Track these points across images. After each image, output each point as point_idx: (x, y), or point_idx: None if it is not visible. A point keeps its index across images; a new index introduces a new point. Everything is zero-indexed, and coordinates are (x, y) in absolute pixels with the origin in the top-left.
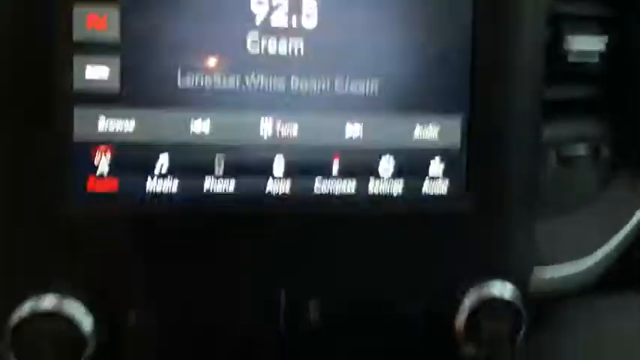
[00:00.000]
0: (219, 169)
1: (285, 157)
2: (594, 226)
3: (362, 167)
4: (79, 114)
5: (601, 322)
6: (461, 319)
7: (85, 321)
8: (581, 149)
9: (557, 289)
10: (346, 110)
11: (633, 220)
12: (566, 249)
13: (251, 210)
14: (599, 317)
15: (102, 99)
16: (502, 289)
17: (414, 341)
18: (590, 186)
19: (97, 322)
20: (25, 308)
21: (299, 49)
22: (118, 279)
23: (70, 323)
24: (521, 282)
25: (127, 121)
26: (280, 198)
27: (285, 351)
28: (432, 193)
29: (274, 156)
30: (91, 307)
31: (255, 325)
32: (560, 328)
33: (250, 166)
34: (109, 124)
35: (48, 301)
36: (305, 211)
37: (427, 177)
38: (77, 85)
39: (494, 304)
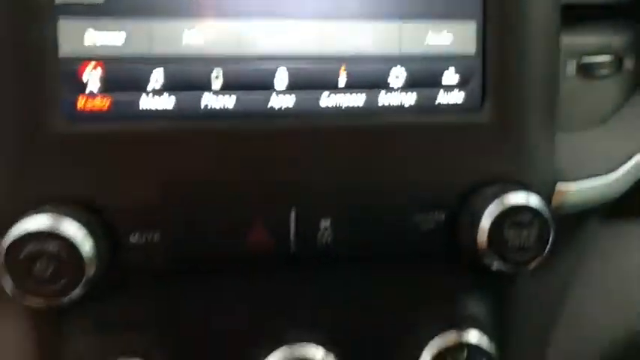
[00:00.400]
0: (217, 84)
1: (287, 68)
2: (617, 141)
3: (371, 78)
4: (64, 26)
5: (623, 243)
6: (483, 229)
7: (84, 241)
8: (604, 59)
9: (579, 205)
10: (352, 16)
11: None
12: (587, 165)
13: (253, 127)
14: (621, 238)
15: (87, 9)
16: (527, 198)
17: (432, 257)
18: (613, 99)
19: (97, 243)
20: (18, 228)
21: None
22: (114, 198)
23: (69, 244)
24: (543, 195)
25: (115, 33)
26: (284, 113)
27: (296, 270)
28: (446, 104)
29: (276, 68)
30: (89, 226)
31: (264, 244)
32: (583, 245)
33: (250, 80)
34: (96, 37)
35: (42, 221)
36: (311, 126)
37: (441, 87)
38: None
39: (519, 212)
